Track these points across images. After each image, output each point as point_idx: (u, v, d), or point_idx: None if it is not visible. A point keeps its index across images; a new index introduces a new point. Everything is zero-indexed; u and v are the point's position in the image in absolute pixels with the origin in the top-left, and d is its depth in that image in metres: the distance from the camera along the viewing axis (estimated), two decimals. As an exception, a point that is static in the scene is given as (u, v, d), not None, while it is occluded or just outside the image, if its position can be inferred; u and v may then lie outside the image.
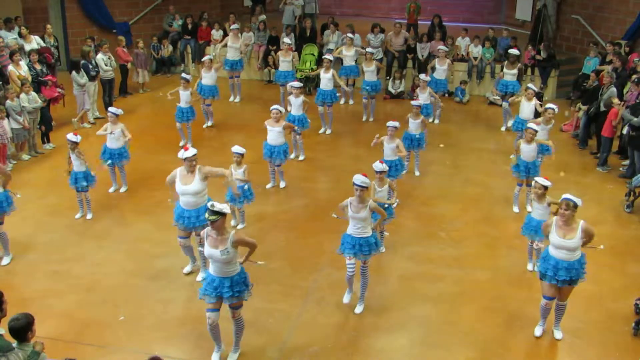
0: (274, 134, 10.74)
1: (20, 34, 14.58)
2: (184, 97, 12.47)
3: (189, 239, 8.31)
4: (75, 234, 9.68)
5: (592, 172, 12.24)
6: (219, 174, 8.27)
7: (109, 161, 10.54)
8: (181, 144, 12.32)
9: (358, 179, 7.44)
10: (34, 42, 14.68)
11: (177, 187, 8.01)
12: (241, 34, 17.22)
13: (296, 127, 11.92)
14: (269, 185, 11.20)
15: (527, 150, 10.02)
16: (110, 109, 10.81)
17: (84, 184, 9.85)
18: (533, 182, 8.35)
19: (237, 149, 9.37)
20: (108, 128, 10.49)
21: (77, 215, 10.08)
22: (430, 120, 14.16)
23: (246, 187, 9.47)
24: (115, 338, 7.38)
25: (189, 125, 12.71)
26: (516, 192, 10.41)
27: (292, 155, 12.29)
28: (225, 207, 6.40)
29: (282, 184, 11.26)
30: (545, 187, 8.02)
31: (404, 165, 10.58)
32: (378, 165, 8.53)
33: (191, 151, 8.01)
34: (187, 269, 8.66)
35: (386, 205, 8.66)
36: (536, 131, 10.04)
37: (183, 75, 12.79)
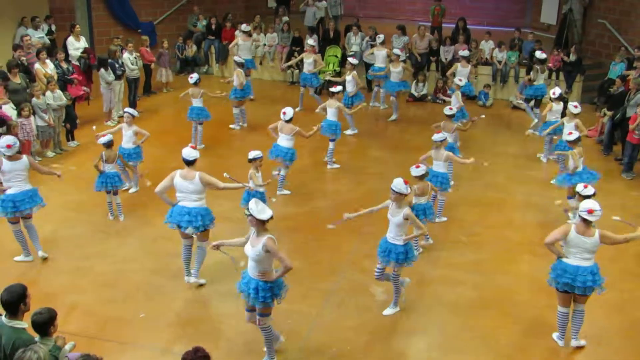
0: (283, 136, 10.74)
1: (72, 33, 14.89)
2: (195, 97, 12.52)
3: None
4: (99, 231, 9.77)
5: (617, 178, 12.11)
6: (212, 182, 8.10)
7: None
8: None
9: (395, 182, 7.29)
10: (83, 41, 14.94)
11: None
12: (264, 35, 17.33)
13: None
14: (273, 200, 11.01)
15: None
16: (127, 109, 10.91)
17: (117, 184, 9.93)
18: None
19: (254, 154, 9.22)
20: (123, 129, 10.57)
21: (110, 217, 10.08)
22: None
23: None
24: (135, 335, 7.45)
25: (199, 124, 12.70)
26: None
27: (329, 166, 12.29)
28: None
29: (278, 192, 10.91)
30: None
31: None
32: (414, 170, 8.49)
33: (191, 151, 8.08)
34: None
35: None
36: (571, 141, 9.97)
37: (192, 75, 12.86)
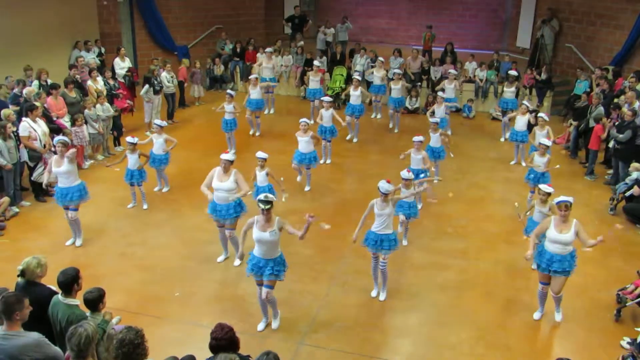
0: (304, 143, 10.71)
1: (118, 55, 14.97)
2: (228, 110, 12.48)
3: (223, 228, 8.34)
4: (140, 223, 9.79)
5: (581, 179, 12.02)
6: (243, 188, 8.07)
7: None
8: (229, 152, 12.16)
9: (381, 186, 7.28)
10: (127, 62, 14.99)
11: (213, 183, 8.05)
12: (282, 57, 17.32)
13: (327, 137, 11.97)
14: (299, 178, 11.19)
15: (539, 162, 9.85)
16: (155, 121, 10.91)
17: (139, 179, 10.00)
18: (537, 190, 8.23)
19: (260, 154, 9.23)
20: (153, 138, 10.56)
21: (129, 205, 10.21)
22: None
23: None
24: (171, 310, 7.47)
25: (232, 134, 12.69)
26: (529, 199, 10.13)
27: (322, 161, 12.25)
28: (274, 198, 6.68)
29: (307, 188, 11.10)
30: (548, 194, 7.87)
31: (427, 173, 10.28)
32: (404, 174, 8.43)
33: (229, 155, 8.11)
34: (220, 258, 8.67)
35: (422, 175, 9.11)
36: (548, 146, 9.86)
37: (228, 91, 12.84)
